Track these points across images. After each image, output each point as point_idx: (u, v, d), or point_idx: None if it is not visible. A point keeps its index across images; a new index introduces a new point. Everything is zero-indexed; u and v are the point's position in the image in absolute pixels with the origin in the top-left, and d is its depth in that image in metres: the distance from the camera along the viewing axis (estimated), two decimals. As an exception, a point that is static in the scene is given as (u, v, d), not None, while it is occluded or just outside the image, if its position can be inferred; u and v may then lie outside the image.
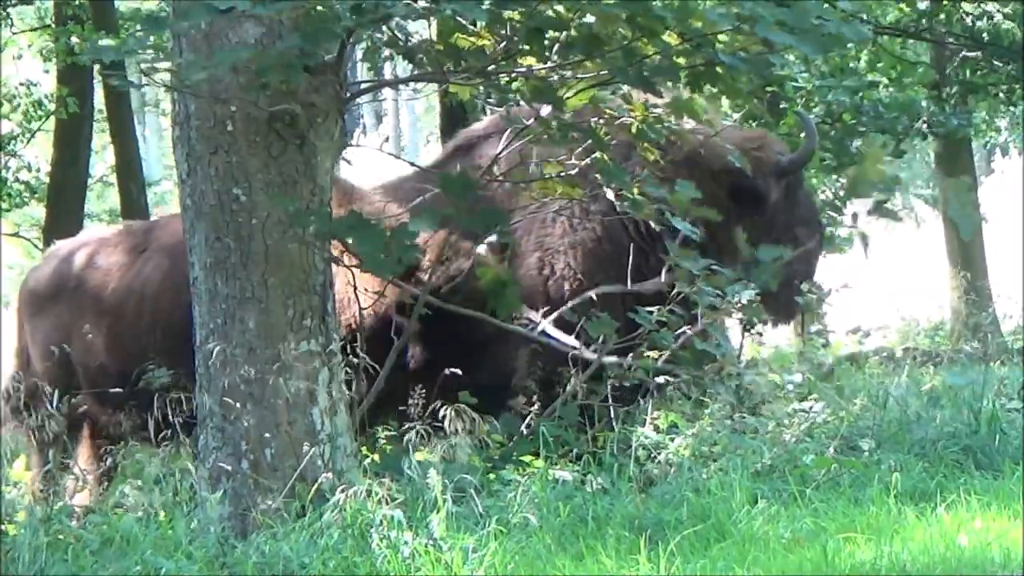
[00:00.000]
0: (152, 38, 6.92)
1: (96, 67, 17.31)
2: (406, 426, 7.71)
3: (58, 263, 9.75)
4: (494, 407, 8.30)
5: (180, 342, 7.92)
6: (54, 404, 8.58)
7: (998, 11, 18.92)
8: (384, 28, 7.35)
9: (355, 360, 7.90)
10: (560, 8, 7.07)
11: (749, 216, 9.05)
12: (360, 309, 8.28)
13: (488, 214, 8.00)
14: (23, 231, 23.09)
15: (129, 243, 9.52)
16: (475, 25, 7.37)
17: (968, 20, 19.14)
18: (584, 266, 8.94)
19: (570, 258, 8.95)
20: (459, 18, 7.21)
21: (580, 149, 8.27)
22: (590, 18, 7.12)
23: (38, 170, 20.29)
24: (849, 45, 7.06)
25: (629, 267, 8.80)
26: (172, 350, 8.40)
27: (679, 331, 8.45)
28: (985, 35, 19.00)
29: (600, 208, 8.97)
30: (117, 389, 8.90)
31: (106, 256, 9.50)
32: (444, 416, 7.78)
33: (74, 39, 17.02)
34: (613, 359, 8.39)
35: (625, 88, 7.95)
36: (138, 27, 7.34)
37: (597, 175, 8.38)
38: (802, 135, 9.15)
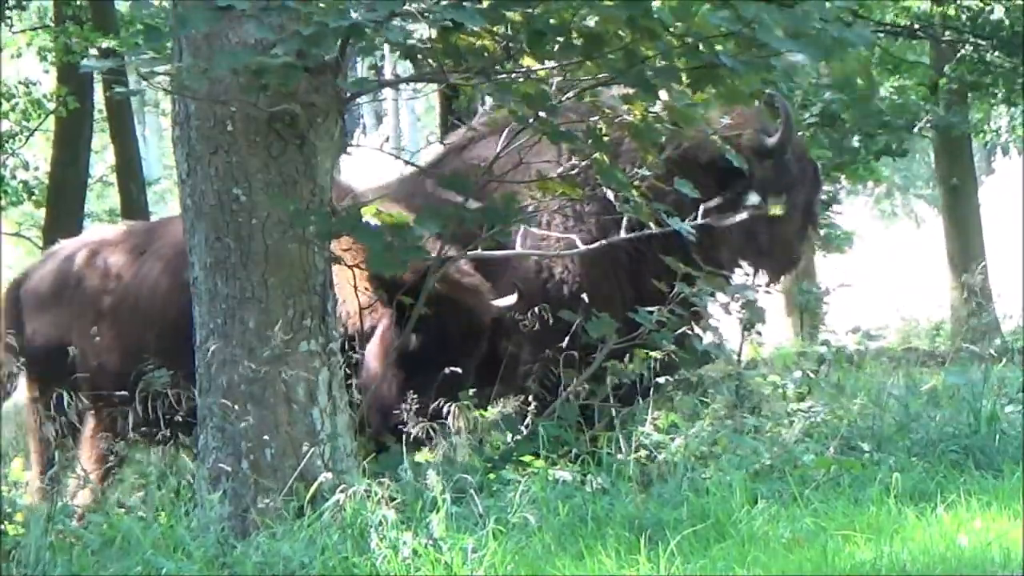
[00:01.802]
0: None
1: (96, 67, 17.27)
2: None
3: (60, 262, 9.73)
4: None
5: (180, 342, 7.92)
6: (54, 404, 8.57)
7: (1001, 3, 18.93)
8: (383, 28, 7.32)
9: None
10: (560, 6, 7.06)
11: (741, 200, 9.08)
12: (360, 309, 8.29)
13: (491, 212, 7.98)
14: (23, 231, 23.10)
15: (131, 243, 9.51)
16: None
17: (969, 14, 19.15)
18: (582, 268, 8.96)
19: (567, 260, 8.96)
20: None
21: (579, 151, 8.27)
22: (591, 22, 7.11)
23: (36, 168, 20.27)
24: (851, 50, 6.98)
25: (626, 267, 8.85)
26: (172, 350, 8.39)
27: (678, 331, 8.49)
28: (987, 28, 19.01)
29: (594, 209, 8.99)
30: (120, 393, 8.88)
31: (108, 256, 9.49)
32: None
33: (73, 39, 17.00)
34: None
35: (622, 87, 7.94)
36: (139, 40, 7.29)
37: (596, 176, 8.38)
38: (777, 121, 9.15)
